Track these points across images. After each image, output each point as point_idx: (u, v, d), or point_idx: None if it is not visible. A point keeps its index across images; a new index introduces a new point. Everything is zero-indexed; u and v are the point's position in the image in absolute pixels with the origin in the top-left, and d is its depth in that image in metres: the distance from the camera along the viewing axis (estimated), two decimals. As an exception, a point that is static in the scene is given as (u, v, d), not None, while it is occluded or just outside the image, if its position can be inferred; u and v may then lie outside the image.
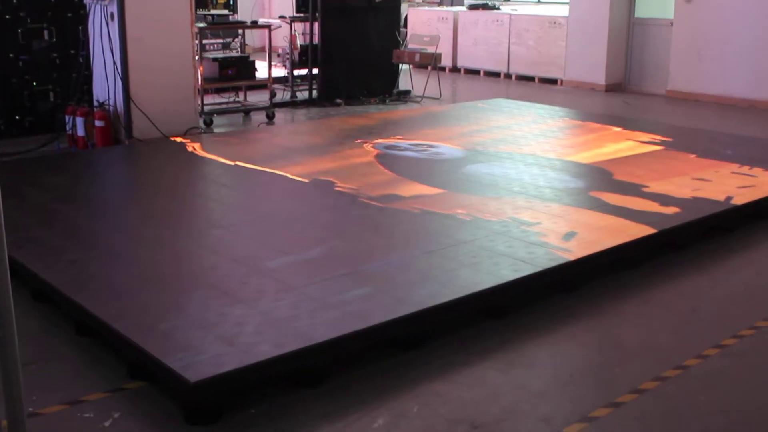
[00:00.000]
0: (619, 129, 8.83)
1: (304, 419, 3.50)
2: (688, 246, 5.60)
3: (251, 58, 10.67)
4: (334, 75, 11.45)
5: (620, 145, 8.02)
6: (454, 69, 15.17)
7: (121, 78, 8.14)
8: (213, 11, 10.01)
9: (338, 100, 11.32)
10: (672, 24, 12.21)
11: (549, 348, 4.27)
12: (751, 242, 5.86)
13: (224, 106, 10.58)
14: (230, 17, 10.43)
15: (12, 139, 8.35)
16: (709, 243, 5.73)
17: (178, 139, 8.11)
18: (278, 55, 12.27)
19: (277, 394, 3.67)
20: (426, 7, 15.84)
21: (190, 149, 7.69)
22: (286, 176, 6.65)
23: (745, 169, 7.05)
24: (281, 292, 4.28)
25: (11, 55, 8.64)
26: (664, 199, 6.04)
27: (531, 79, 13.97)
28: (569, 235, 5.19)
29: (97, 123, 8.16)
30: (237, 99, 10.91)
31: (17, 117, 8.74)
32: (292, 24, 11.58)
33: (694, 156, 7.54)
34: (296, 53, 11.60)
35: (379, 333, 3.97)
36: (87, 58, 8.63)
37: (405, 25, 12.93)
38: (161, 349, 3.64)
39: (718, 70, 11.64)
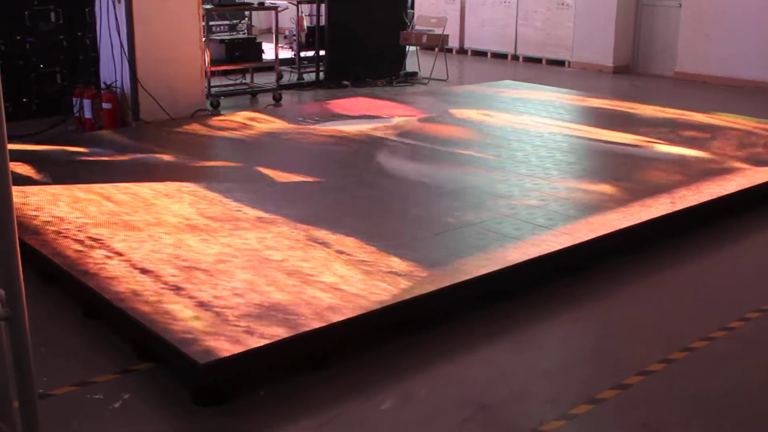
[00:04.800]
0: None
1: (312, 401, 3.52)
2: (696, 229, 5.58)
3: (258, 40, 10.64)
4: (340, 57, 11.43)
5: None
6: (461, 51, 15.12)
7: (128, 60, 8.13)
8: (220, -7, 9.98)
9: (345, 82, 11.30)
10: (680, 5, 12.15)
11: (556, 330, 4.28)
12: (759, 225, 5.85)
13: (231, 87, 10.58)
14: (237, -1, 10.41)
15: (19, 121, 8.35)
16: (716, 226, 5.71)
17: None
18: (285, 37, 12.23)
19: (285, 377, 3.69)
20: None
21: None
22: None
23: None
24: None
25: (18, 38, 8.64)
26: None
27: (538, 60, 13.92)
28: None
29: (105, 105, 8.17)
30: (244, 81, 10.90)
31: (24, 99, 8.75)
32: (299, 5, 11.55)
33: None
34: (303, 35, 11.57)
35: (387, 316, 3.98)
36: (94, 40, 8.62)
37: (412, 7, 12.88)
38: (170, 331, 3.65)
39: (727, 52, 11.58)
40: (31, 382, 2.46)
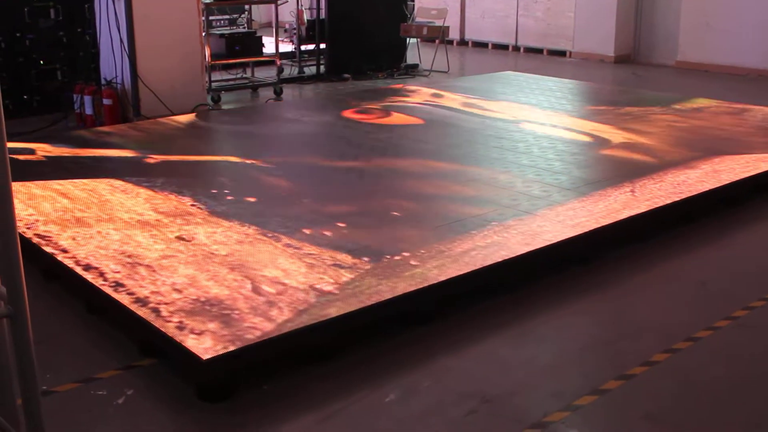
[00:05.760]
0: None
1: (315, 395, 3.51)
2: (698, 218, 5.57)
3: (258, 34, 10.62)
4: (341, 50, 11.41)
5: None
6: (462, 42, 15.08)
7: (128, 55, 8.13)
8: (219, -13, 9.96)
9: (346, 75, 11.28)
10: (681, -6, 12.11)
11: (559, 322, 4.27)
12: (761, 215, 5.83)
13: (232, 82, 10.56)
14: (236, -7, 10.38)
15: (20, 118, 8.34)
16: (719, 215, 5.70)
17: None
18: (285, 31, 12.21)
19: (288, 370, 3.68)
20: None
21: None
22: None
23: None
24: (291, 268, 4.28)
25: (18, 34, 8.62)
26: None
27: (539, 51, 13.88)
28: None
29: (105, 101, 8.17)
30: (244, 75, 10.89)
31: (25, 96, 8.74)
32: (299, -1, 11.53)
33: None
34: (303, 28, 11.56)
35: (389, 308, 3.98)
36: (94, 36, 8.62)
37: (412, -1, 12.88)
38: (173, 327, 3.65)
39: (728, 41, 11.54)
40: (35, 379, 2.46)
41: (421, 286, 4.08)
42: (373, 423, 3.33)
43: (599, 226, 4.95)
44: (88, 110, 8.24)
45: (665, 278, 4.76)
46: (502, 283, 4.48)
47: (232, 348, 3.47)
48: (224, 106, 9.38)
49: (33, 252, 4.64)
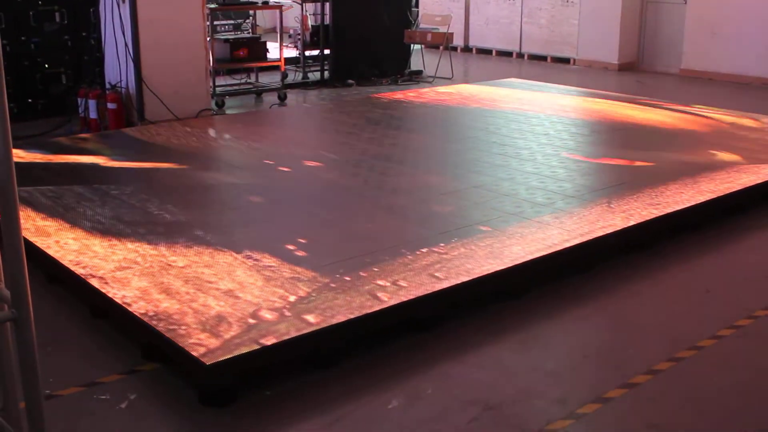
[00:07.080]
0: None
1: (318, 401, 3.51)
2: (702, 226, 5.56)
3: (262, 39, 10.64)
4: (345, 55, 11.42)
5: None
6: (466, 49, 15.10)
7: (133, 60, 8.14)
8: (224, -8, 9.99)
9: (350, 81, 11.30)
10: (685, 2, 12.11)
11: (562, 329, 4.27)
12: (765, 222, 5.82)
13: (236, 87, 10.57)
14: (241, -2, 10.41)
15: (25, 122, 8.35)
16: (723, 223, 5.69)
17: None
18: (289, 36, 12.23)
19: (291, 376, 3.68)
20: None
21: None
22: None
23: None
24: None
25: (23, 38, 8.65)
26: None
27: (543, 58, 13.89)
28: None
29: (110, 105, 8.18)
30: (248, 80, 10.90)
31: (30, 100, 8.76)
32: (303, 4, 11.54)
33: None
34: (307, 34, 11.57)
35: (393, 315, 3.97)
36: (99, 40, 8.63)
37: (416, 5, 12.87)
38: (176, 331, 3.65)
39: (732, 49, 11.55)
40: (38, 383, 2.47)
41: (424, 293, 4.07)
42: (377, 429, 3.32)
43: (603, 233, 4.95)
44: (93, 114, 8.26)
45: (669, 286, 4.75)
46: (504, 290, 4.47)
47: (236, 353, 3.48)
48: (228, 111, 9.40)
49: (38, 256, 4.65)
